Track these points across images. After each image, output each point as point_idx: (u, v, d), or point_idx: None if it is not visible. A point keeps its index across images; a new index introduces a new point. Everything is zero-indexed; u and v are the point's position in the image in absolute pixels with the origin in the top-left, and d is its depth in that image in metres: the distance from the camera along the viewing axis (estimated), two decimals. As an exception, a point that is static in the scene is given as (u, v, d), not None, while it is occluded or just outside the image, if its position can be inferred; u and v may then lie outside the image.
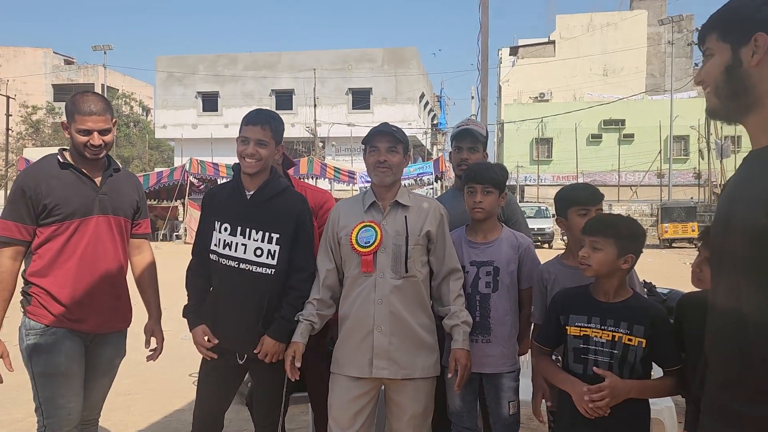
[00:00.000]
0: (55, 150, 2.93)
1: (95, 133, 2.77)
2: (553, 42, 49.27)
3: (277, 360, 2.77)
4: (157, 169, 33.76)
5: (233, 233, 2.81)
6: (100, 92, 2.91)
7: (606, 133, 41.40)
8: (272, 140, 2.82)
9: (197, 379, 2.97)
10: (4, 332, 2.73)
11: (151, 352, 3.10)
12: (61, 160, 2.82)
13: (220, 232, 2.83)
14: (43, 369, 2.69)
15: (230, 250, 2.80)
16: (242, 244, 2.79)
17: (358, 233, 2.72)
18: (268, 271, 2.78)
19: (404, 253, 2.69)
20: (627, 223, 2.49)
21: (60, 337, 2.73)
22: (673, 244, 27.51)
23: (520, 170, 40.12)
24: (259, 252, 2.78)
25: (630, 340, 2.33)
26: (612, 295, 2.42)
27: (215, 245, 2.83)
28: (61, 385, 2.71)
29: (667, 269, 15.47)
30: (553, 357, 2.63)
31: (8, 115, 43.08)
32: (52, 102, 49.14)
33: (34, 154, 30.20)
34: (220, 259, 2.82)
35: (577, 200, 2.80)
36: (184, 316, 2.94)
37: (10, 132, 43.65)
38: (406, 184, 21.66)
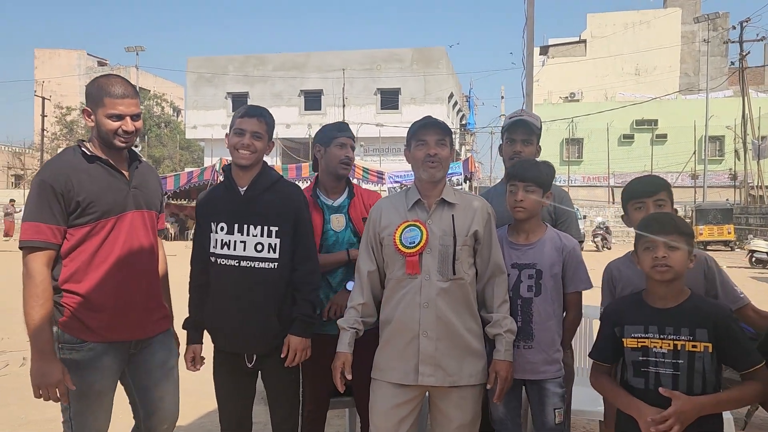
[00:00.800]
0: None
1: (128, 118, 2.52)
2: (584, 41, 48.67)
3: (298, 360, 2.72)
4: (187, 169, 34.09)
5: (230, 232, 2.73)
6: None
7: (638, 134, 40.75)
8: (266, 134, 2.79)
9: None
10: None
11: None
12: (88, 153, 2.54)
13: (216, 232, 2.74)
14: (77, 386, 2.47)
15: (229, 249, 2.71)
16: (241, 242, 2.71)
17: (402, 233, 2.59)
18: (272, 265, 2.70)
19: (452, 254, 2.56)
20: (683, 220, 2.35)
21: (98, 354, 2.51)
22: (708, 247, 26.87)
23: (550, 171, 39.65)
24: (259, 247, 2.70)
25: (694, 346, 2.15)
26: (670, 300, 2.24)
27: (213, 247, 2.74)
28: (93, 402, 2.53)
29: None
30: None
31: (43, 116, 44.04)
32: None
33: (67, 154, 30.64)
34: (219, 260, 2.73)
35: (632, 194, 2.71)
36: (183, 327, 2.87)
37: (45, 132, 44.61)
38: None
